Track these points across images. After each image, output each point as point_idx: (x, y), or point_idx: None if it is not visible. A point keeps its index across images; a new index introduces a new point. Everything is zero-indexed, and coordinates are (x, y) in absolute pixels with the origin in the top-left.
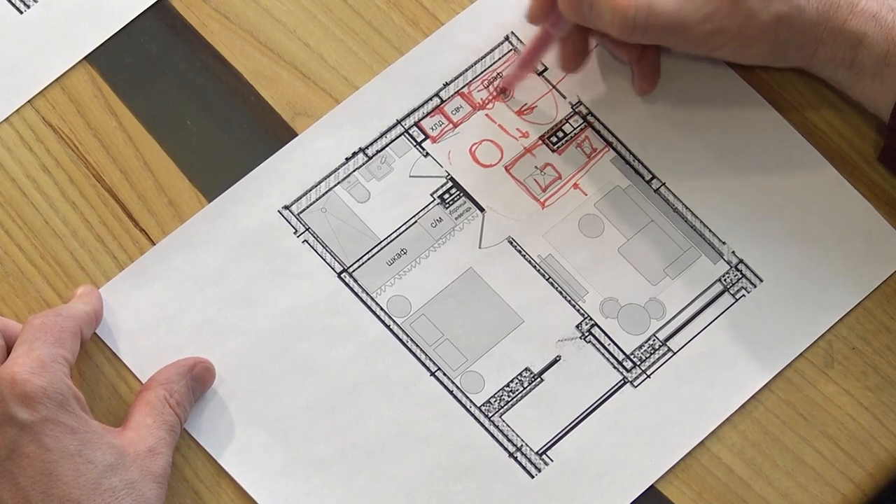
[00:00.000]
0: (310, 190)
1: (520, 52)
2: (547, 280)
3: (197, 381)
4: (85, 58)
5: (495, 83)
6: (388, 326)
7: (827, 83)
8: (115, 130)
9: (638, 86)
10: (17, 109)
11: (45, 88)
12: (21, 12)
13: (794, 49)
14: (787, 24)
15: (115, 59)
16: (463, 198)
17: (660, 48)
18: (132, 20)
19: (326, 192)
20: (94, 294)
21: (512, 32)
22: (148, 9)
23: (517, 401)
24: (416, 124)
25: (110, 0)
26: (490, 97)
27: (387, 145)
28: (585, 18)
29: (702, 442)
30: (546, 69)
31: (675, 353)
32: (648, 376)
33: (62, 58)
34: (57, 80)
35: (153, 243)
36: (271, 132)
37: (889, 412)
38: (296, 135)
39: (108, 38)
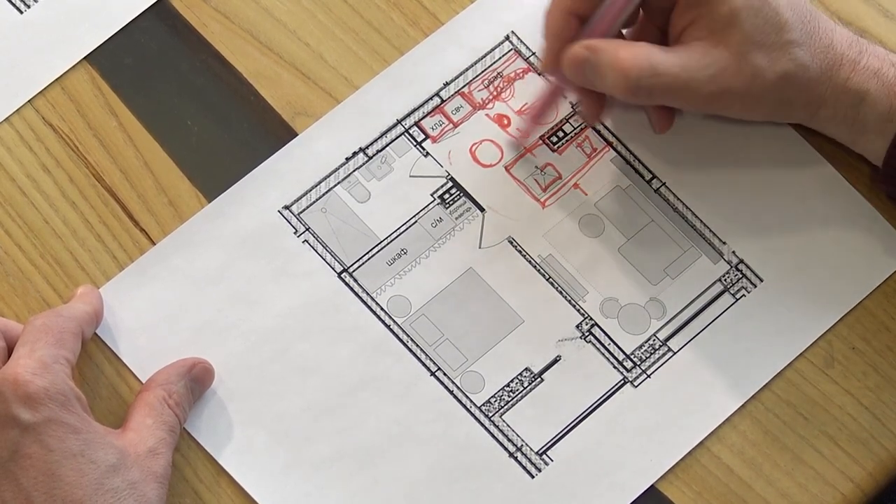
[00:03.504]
0: (310, 190)
1: (531, 107)
2: (547, 280)
3: (196, 381)
4: (85, 58)
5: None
6: (388, 326)
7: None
8: (115, 130)
9: (656, 126)
10: (17, 109)
11: (45, 88)
12: (21, 12)
13: (798, 107)
14: (791, 82)
15: (115, 59)
16: (463, 198)
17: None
18: (132, 20)
19: (327, 192)
20: (95, 294)
21: (512, 32)
22: (148, 9)
23: (517, 401)
24: (417, 124)
25: (110, 0)
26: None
27: (387, 145)
28: (590, 81)
29: (702, 442)
30: None
31: (675, 353)
32: (649, 376)
33: (62, 58)
34: (57, 80)
35: (153, 243)
36: (271, 132)
37: (889, 412)
38: (296, 135)
39: (108, 38)
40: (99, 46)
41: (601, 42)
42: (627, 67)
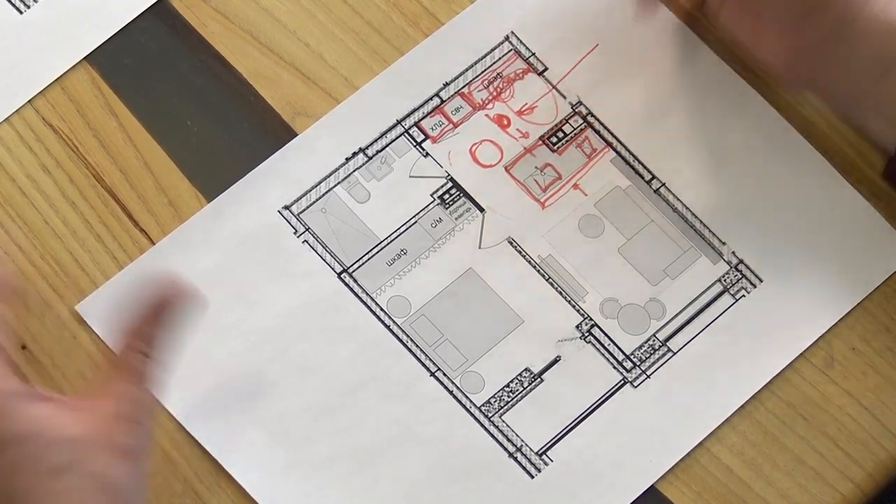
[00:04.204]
0: (310, 190)
1: None
2: (547, 280)
3: (171, 320)
4: (85, 58)
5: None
6: (388, 327)
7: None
8: (115, 130)
9: (640, 6)
10: (17, 109)
11: (45, 88)
12: (21, 12)
13: (832, 12)
14: None
15: (115, 59)
16: (463, 198)
17: None
18: (132, 20)
19: (326, 193)
20: None
21: (512, 32)
22: (148, 9)
23: (517, 401)
24: (416, 124)
25: (110, 0)
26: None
27: (387, 145)
28: None
29: (701, 442)
30: (546, 69)
31: (675, 354)
32: (648, 377)
33: (62, 58)
34: (57, 80)
35: (153, 243)
36: (271, 132)
37: (889, 412)
38: (296, 135)
39: (108, 38)
40: (99, 46)
41: None
42: None
